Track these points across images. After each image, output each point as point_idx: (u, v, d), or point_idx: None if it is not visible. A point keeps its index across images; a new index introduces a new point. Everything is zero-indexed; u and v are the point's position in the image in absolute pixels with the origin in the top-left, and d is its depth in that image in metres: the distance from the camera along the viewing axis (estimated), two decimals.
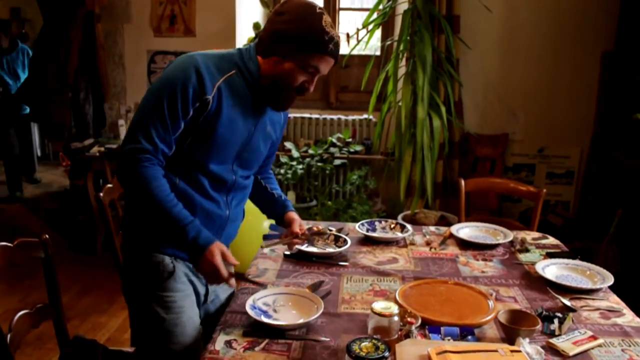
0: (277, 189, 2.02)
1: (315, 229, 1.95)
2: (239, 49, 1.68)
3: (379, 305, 1.37)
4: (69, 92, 4.66)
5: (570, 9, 4.25)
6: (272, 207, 1.97)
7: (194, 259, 1.55)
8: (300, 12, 1.58)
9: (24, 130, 5.98)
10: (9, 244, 1.71)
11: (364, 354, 1.17)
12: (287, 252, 2.01)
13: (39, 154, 7.10)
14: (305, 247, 2.01)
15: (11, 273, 3.76)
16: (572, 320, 1.54)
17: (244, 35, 4.62)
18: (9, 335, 1.59)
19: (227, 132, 1.62)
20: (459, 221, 2.77)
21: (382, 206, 4.61)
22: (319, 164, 4.42)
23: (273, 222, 1.95)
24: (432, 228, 2.39)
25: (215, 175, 1.67)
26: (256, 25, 3.71)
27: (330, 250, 2.03)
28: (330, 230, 2.21)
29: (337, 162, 4.47)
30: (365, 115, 4.59)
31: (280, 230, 1.87)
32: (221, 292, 1.88)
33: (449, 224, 2.79)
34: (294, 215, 1.92)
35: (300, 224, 1.88)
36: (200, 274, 1.63)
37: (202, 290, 1.78)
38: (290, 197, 4.53)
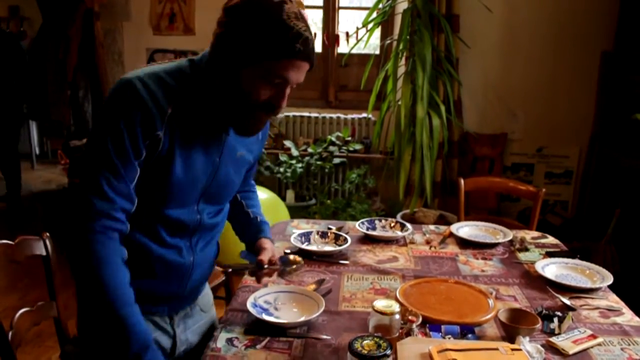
0: (255, 206, 1.74)
1: (291, 258, 1.62)
2: (191, 60, 1.35)
3: (381, 303, 1.37)
4: (68, 90, 4.67)
5: (570, 9, 4.26)
6: (244, 229, 1.70)
7: None
8: (252, 3, 1.22)
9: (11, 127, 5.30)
10: (10, 242, 1.72)
11: (366, 352, 1.17)
12: (288, 251, 2.01)
13: (37, 152, 7.10)
14: (305, 246, 2.02)
15: (11, 271, 3.74)
16: (572, 319, 1.55)
17: None
18: (10, 333, 1.60)
19: (185, 173, 1.32)
20: (459, 220, 2.78)
21: (381, 205, 4.61)
22: (318, 162, 4.43)
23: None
24: (432, 227, 2.39)
25: (174, 220, 1.37)
26: None
27: (330, 248, 2.03)
28: (330, 229, 2.21)
29: (337, 160, 4.47)
30: (364, 114, 4.59)
31: (252, 260, 1.56)
32: (194, 338, 1.59)
33: (448, 223, 2.79)
34: (265, 243, 1.61)
35: (272, 254, 1.56)
36: None
37: (167, 343, 1.50)
38: (289, 195, 4.53)
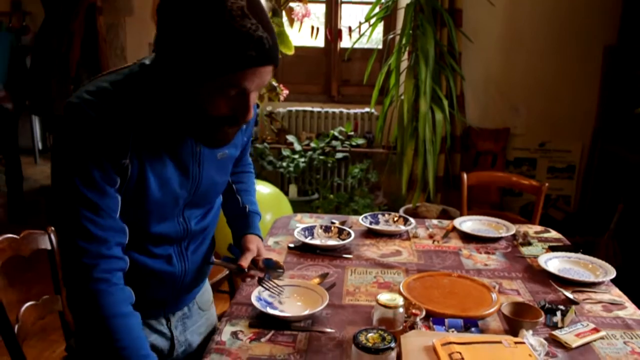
0: (247, 192, 1.61)
1: (275, 261, 1.53)
2: (142, 65, 1.17)
3: (384, 297, 1.38)
4: (70, 85, 4.66)
5: (572, 4, 4.25)
6: (234, 219, 1.58)
7: None
8: (187, 4, 1.01)
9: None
10: (16, 236, 1.73)
11: (370, 345, 1.18)
12: (291, 245, 2.02)
13: (40, 146, 7.12)
14: (309, 240, 2.03)
15: (14, 265, 3.76)
16: (575, 313, 1.55)
17: None
18: (16, 327, 1.61)
19: (162, 191, 1.21)
20: (461, 215, 2.78)
21: (384, 199, 4.62)
22: (321, 157, 4.43)
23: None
24: (435, 221, 2.39)
25: (159, 235, 1.28)
26: None
27: (334, 242, 2.04)
28: (333, 223, 2.22)
29: (339, 155, 4.48)
30: (367, 109, 4.59)
31: (237, 255, 1.49)
32: (193, 338, 1.54)
33: (451, 218, 2.80)
34: (251, 242, 1.49)
35: (257, 254, 1.47)
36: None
37: (164, 345, 1.45)
38: (292, 190, 4.54)
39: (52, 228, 1.88)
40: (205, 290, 1.61)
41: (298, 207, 4.16)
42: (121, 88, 1.12)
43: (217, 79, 1.04)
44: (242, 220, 1.57)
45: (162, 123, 1.17)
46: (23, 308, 1.69)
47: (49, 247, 1.85)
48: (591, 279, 1.79)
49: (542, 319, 1.45)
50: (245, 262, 1.42)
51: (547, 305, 1.56)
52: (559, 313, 1.51)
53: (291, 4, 3.63)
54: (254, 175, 1.71)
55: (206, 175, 1.31)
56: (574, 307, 1.56)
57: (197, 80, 1.05)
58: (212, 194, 1.41)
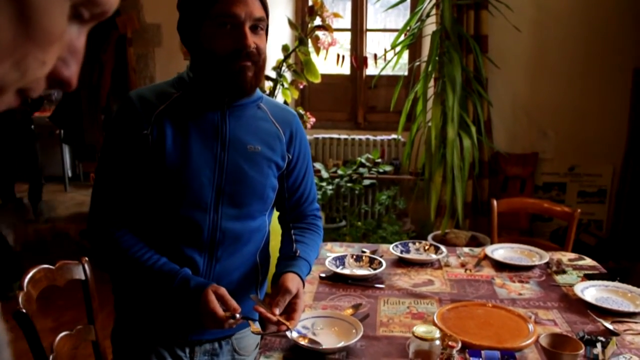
0: (305, 244, 1.58)
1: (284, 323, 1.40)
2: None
3: (420, 329, 1.36)
4: (101, 115, 4.77)
5: (600, 26, 4.22)
6: (280, 262, 1.54)
7: (194, 311, 1.31)
8: None
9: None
10: (51, 267, 1.75)
11: None
12: (323, 275, 2.01)
13: (69, 174, 7.23)
14: (340, 270, 2.02)
15: (49, 293, 3.80)
16: (616, 345, 1.51)
17: (272, 57, 4.67)
18: (51, 357, 1.62)
19: (180, 161, 1.34)
20: (492, 242, 2.75)
21: (412, 226, 4.59)
22: (348, 184, 4.43)
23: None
24: (466, 249, 2.37)
25: (187, 222, 1.38)
26: (285, 48, 3.76)
27: (365, 272, 2.02)
28: (364, 252, 2.21)
29: (366, 182, 4.47)
30: (393, 136, 4.59)
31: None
32: None
33: (480, 244, 2.77)
34: (290, 281, 1.41)
35: (296, 296, 1.42)
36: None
37: None
38: None
39: (86, 258, 1.89)
40: (249, 335, 1.60)
41: (326, 234, 4.11)
42: (168, 84, 1.44)
43: (211, 14, 1.27)
44: (289, 260, 1.52)
45: (193, 102, 1.39)
46: (57, 338, 1.69)
47: (83, 278, 1.86)
48: (631, 308, 1.74)
49: (582, 351, 1.41)
50: (278, 307, 1.38)
51: (586, 336, 1.52)
52: (599, 345, 1.47)
53: (317, 33, 3.66)
54: (320, 237, 1.69)
55: (232, 161, 1.40)
56: (614, 338, 1.52)
57: (198, 19, 1.30)
58: (245, 190, 1.43)
